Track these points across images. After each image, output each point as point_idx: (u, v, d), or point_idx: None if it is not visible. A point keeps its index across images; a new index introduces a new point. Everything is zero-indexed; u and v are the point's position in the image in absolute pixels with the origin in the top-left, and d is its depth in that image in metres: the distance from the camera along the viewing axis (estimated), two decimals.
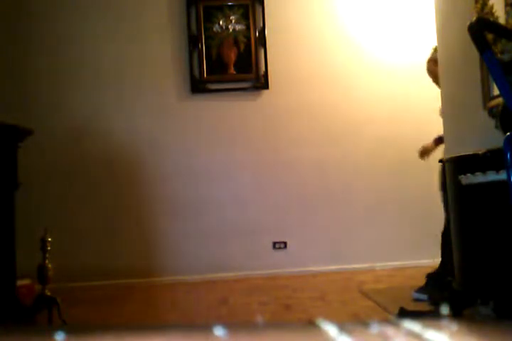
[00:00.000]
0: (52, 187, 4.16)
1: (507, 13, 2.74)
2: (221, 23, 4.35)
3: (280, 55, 4.35)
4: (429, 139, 4.25)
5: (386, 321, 0.55)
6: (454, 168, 2.67)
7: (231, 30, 4.35)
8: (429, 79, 4.36)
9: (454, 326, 0.53)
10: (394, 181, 4.37)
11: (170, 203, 4.25)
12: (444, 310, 2.41)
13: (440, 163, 3.11)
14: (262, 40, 4.34)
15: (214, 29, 4.35)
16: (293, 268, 4.17)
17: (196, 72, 4.32)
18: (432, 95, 4.32)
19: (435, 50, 3.46)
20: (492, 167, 2.26)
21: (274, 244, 4.28)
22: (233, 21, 4.35)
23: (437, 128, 3.72)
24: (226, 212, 4.28)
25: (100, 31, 4.30)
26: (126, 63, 4.30)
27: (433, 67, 3.43)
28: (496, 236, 2.37)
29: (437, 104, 3.37)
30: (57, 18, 4.27)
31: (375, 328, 0.52)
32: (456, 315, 2.37)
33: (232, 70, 4.33)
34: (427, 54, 4.41)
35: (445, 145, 3.65)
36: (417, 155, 3.52)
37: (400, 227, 4.34)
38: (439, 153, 3.54)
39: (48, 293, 2.70)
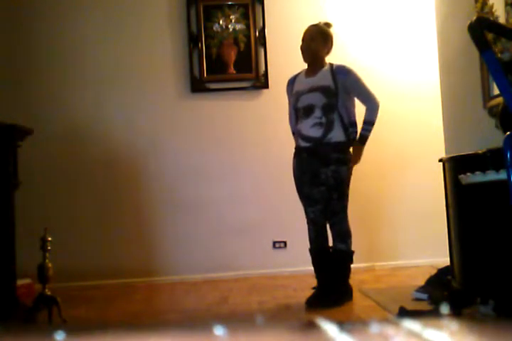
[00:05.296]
0: (52, 187, 4.16)
1: (507, 12, 2.74)
2: (221, 22, 4.34)
3: (280, 55, 4.35)
4: (429, 145, 4.27)
5: (386, 321, 0.55)
6: (454, 168, 2.67)
7: (231, 29, 4.35)
8: (427, 84, 4.37)
9: (454, 325, 0.53)
10: (394, 181, 4.36)
11: (170, 203, 4.24)
12: (444, 309, 2.42)
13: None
14: (262, 40, 4.34)
15: (214, 28, 4.34)
16: (293, 267, 4.17)
17: (196, 72, 4.32)
18: (428, 99, 4.33)
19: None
20: (492, 166, 2.26)
21: (274, 243, 4.28)
22: (233, 21, 4.34)
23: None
24: (226, 211, 4.27)
25: (100, 31, 4.30)
26: (127, 63, 4.30)
27: (308, 43, 3.22)
28: (496, 235, 2.37)
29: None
30: (58, 18, 4.26)
31: (375, 328, 0.52)
32: (456, 314, 2.37)
33: (232, 70, 4.33)
34: (427, 62, 4.42)
35: (445, 145, 3.66)
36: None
37: (399, 227, 4.34)
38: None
39: (48, 293, 2.70)
